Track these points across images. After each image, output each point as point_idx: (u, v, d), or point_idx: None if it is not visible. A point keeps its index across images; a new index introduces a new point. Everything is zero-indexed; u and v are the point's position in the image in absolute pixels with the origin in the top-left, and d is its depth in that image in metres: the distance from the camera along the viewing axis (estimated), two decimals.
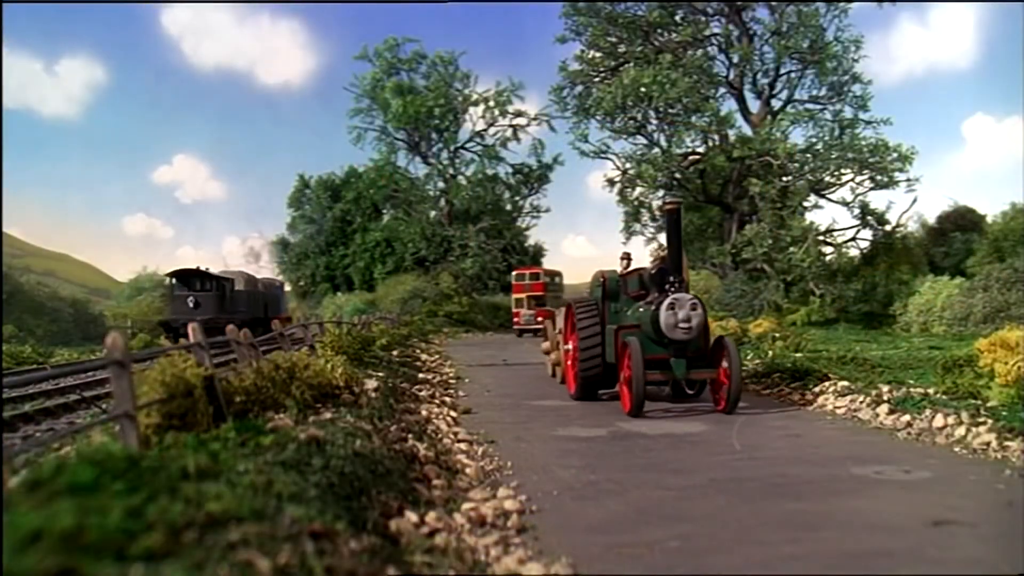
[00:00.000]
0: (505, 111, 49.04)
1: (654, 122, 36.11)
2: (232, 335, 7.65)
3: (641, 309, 10.46)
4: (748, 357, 15.39)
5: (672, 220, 10.17)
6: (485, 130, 49.86)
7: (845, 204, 34.41)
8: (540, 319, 31.74)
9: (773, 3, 35.45)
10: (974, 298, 25.98)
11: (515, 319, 37.87)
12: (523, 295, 37.83)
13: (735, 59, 35.85)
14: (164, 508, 2.64)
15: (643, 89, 33.30)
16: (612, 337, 10.67)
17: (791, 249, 32.20)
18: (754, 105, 36.85)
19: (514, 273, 40.75)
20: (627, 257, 12.27)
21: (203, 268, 28.19)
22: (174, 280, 28.15)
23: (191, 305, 26.34)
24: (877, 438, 7.74)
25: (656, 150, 36.16)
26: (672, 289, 9.79)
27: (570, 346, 11.93)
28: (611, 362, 10.75)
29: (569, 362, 12.09)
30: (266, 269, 55.91)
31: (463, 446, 7.42)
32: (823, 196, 35.12)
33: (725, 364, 9.72)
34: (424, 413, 9.13)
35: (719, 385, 9.84)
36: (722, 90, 36.62)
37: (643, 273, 11.10)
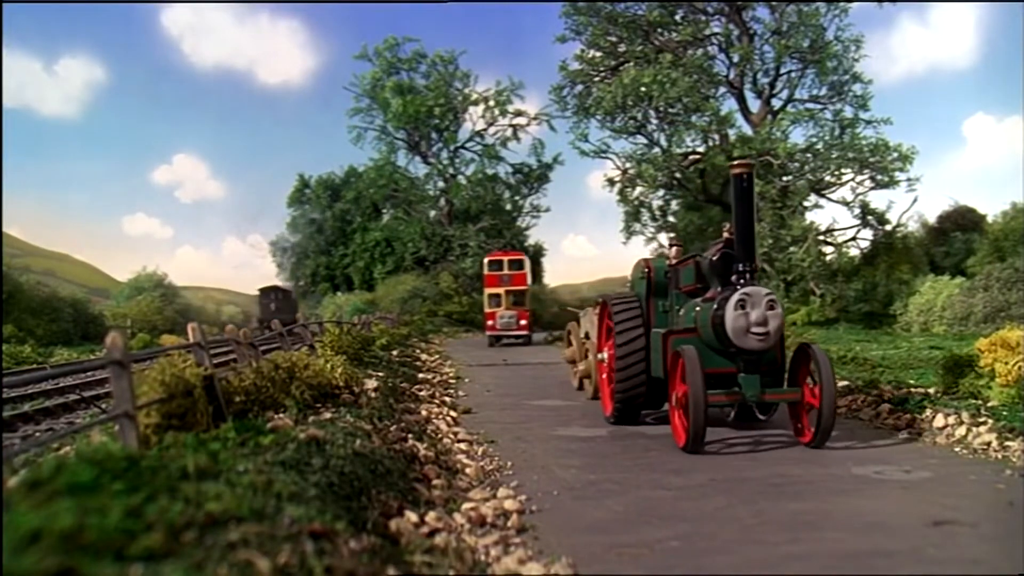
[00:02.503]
0: (505, 111, 49.05)
1: (654, 122, 36.06)
2: (232, 335, 7.65)
3: (699, 308, 8.07)
4: None
5: (741, 188, 7.48)
6: (485, 130, 49.88)
7: (845, 204, 34.38)
8: (523, 322, 28.26)
9: (773, 3, 35.42)
10: (974, 298, 25.96)
11: (488, 321, 29.18)
12: (499, 289, 29.47)
13: (735, 58, 35.80)
14: (164, 508, 2.64)
15: (643, 89, 33.27)
16: (660, 344, 8.29)
17: (791, 249, 32.18)
18: (754, 105, 36.83)
19: (486, 260, 31.41)
20: (678, 243, 10.04)
21: (278, 284, 46.35)
22: (261, 292, 45.15)
23: (272, 308, 39.68)
24: (877, 437, 7.74)
25: (656, 150, 36.12)
26: (741, 282, 7.43)
27: (604, 355, 9.65)
28: (659, 377, 8.38)
29: (604, 375, 9.75)
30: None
31: (463, 446, 7.42)
32: (823, 196, 35.09)
33: (812, 380, 7.37)
34: (424, 413, 9.13)
35: (803, 409, 7.48)
36: (722, 90, 36.57)
37: (701, 262, 8.37)
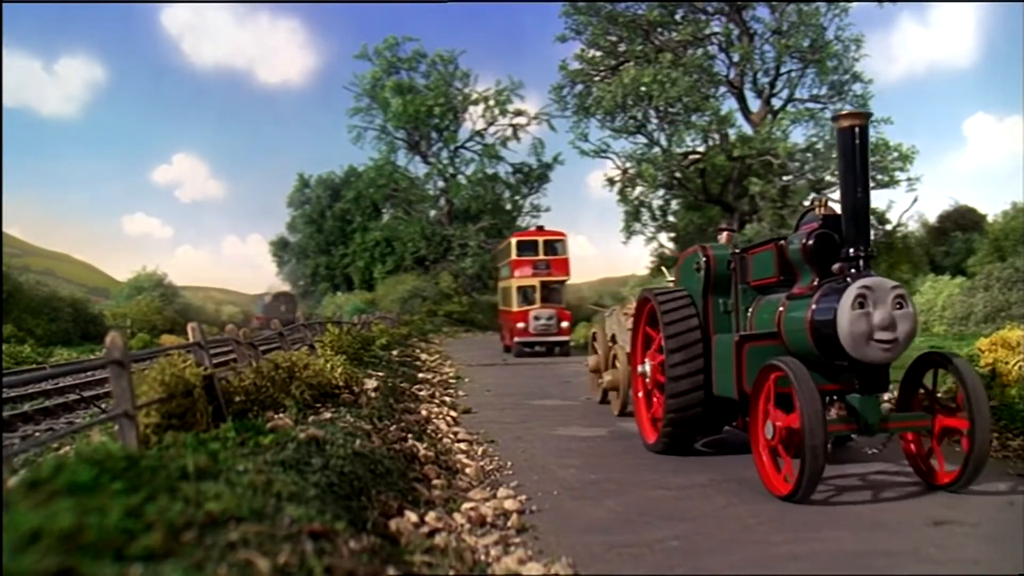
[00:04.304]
0: (505, 110, 49.04)
1: (654, 121, 36.10)
2: (232, 335, 7.65)
3: (783, 307, 6.21)
4: None
5: (852, 146, 5.61)
6: (485, 129, 49.87)
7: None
8: (564, 324, 21.24)
9: (773, 2, 35.44)
10: (975, 297, 25.95)
11: (515, 323, 21.53)
12: (532, 280, 21.93)
13: (735, 58, 35.82)
14: (163, 508, 2.63)
15: (643, 88, 33.29)
16: (730, 354, 6.45)
17: None
18: (754, 104, 36.86)
19: (514, 241, 23.51)
20: (729, 227, 8.22)
21: (285, 290, 51.89)
22: (272, 295, 49.37)
23: (282, 310, 43.01)
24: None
25: (656, 149, 36.15)
26: (852, 271, 5.57)
27: (647, 368, 7.70)
28: (721, 395, 6.68)
29: (640, 392, 7.91)
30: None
31: (463, 446, 7.43)
32: (824, 195, 35.11)
33: (941, 403, 5.76)
34: (424, 413, 9.13)
35: (936, 440, 5.71)
36: (722, 89, 36.61)
37: (786, 246, 6.37)
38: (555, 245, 22.99)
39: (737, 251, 7.17)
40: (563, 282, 22.83)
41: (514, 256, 22.76)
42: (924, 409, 5.76)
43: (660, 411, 7.20)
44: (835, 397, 5.76)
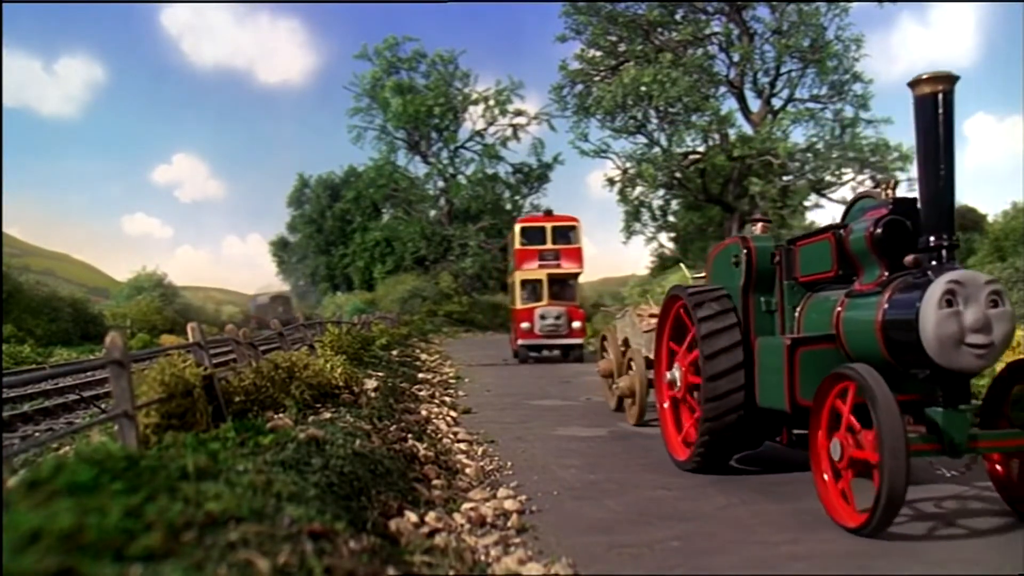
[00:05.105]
0: (505, 110, 49.08)
1: (654, 121, 36.13)
2: (232, 335, 7.65)
3: (847, 305, 5.35)
4: None
5: (934, 117, 4.77)
6: (485, 129, 49.91)
7: (846, 203, 34.46)
8: (576, 324, 18.59)
9: (774, 2, 35.46)
10: None
11: (519, 323, 19.02)
12: (539, 273, 19.21)
13: (735, 58, 35.84)
14: (163, 508, 2.63)
15: (643, 88, 33.30)
16: (775, 359, 5.59)
17: None
18: (755, 104, 36.88)
19: (517, 227, 20.59)
20: (764, 219, 7.00)
21: (280, 292, 52.27)
22: (268, 296, 50.58)
23: (279, 311, 43.19)
24: None
25: (656, 149, 36.17)
26: (933, 264, 4.74)
27: (676, 376, 6.78)
28: (766, 407, 5.80)
29: (666, 403, 7.01)
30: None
31: (463, 446, 7.43)
32: (824, 195, 35.16)
33: None
34: (424, 413, 9.13)
35: None
36: (722, 89, 36.64)
37: (848, 236, 5.45)
38: (566, 232, 19.78)
39: (783, 243, 6.35)
40: (576, 275, 19.79)
41: (517, 245, 19.81)
42: (1017, 425, 4.80)
43: (691, 423, 6.53)
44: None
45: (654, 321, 8.43)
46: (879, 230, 5.11)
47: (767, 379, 5.75)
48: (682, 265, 11.43)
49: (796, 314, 6.05)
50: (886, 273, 5.09)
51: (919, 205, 4.95)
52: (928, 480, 5.53)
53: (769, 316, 6.25)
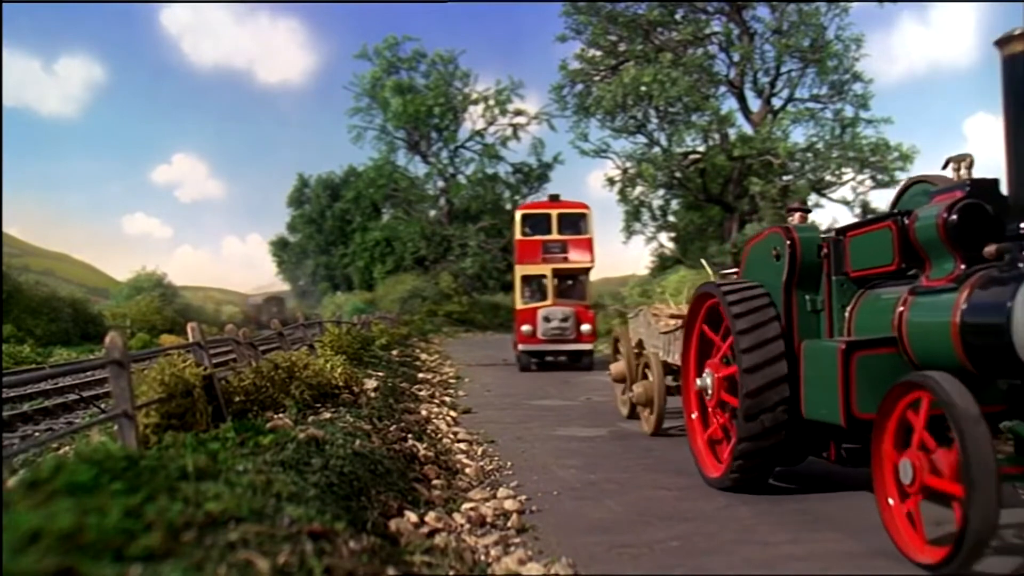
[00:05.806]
0: (505, 110, 49.06)
1: (654, 121, 36.09)
2: (231, 335, 7.65)
3: (911, 303, 4.60)
4: None
5: (1021, 75, 4.18)
6: (485, 129, 49.88)
7: (846, 203, 34.38)
8: (585, 327, 16.25)
9: (774, 2, 35.45)
10: None
11: (521, 325, 16.46)
12: (542, 267, 16.77)
13: (736, 58, 35.81)
14: (163, 508, 2.63)
15: (643, 88, 33.28)
16: (826, 365, 4.89)
17: None
18: (755, 104, 36.84)
19: (519, 215, 18.26)
20: (803, 207, 6.16)
21: (275, 293, 53.46)
22: (263, 297, 51.16)
23: (274, 311, 44.24)
24: None
25: (656, 149, 36.14)
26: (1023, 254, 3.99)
27: (708, 383, 6.01)
28: (814, 419, 5.09)
29: (695, 413, 6.35)
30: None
31: (463, 446, 7.43)
32: (824, 195, 35.15)
33: None
34: (424, 413, 9.13)
35: None
36: (723, 89, 36.61)
37: (915, 225, 4.65)
38: (575, 220, 17.20)
39: (830, 233, 5.62)
40: (587, 270, 17.29)
41: (519, 235, 17.35)
42: None
43: (721, 433, 5.95)
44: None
45: (672, 322, 8.03)
46: (954, 216, 4.33)
47: (816, 389, 5.05)
48: (703, 260, 11.04)
49: (846, 314, 5.32)
50: (962, 266, 4.33)
51: (1004, 186, 4.19)
52: (1010, 504, 4.32)
53: (815, 316, 5.52)
